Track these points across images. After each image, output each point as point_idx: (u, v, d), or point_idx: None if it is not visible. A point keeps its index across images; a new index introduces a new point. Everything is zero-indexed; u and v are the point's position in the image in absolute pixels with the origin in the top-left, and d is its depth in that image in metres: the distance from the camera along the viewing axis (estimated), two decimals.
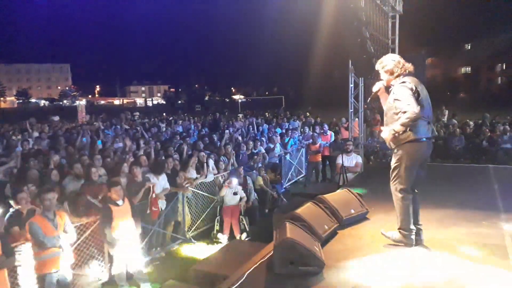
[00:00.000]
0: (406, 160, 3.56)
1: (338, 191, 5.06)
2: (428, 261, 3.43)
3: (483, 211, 4.66)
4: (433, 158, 10.58)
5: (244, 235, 7.38)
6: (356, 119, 10.60)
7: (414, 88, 3.46)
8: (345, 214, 4.43)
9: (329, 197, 4.62)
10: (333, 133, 11.68)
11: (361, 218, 4.63)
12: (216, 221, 7.59)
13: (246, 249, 5.48)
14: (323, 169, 11.17)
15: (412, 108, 3.36)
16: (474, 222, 4.31)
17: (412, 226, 3.66)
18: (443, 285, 3.03)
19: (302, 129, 13.71)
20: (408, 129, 3.45)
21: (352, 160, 8.29)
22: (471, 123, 14.62)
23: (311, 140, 11.13)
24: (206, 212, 7.85)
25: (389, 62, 3.64)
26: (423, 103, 3.50)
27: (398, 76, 3.59)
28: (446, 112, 16.45)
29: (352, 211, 4.57)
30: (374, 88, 3.85)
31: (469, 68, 57.93)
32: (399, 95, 3.47)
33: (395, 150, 3.65)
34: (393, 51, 10.83)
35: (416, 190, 3.73)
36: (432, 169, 7.33)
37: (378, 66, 3.74)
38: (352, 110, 10.18)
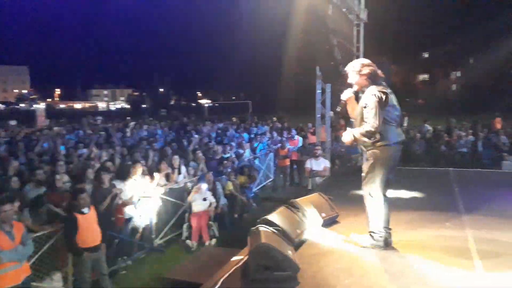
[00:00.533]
0: (378, 164, 3.66)
1: (310, 195, 5.11)
2: (399, 263, 3.53)
3: (447, 213, 4.86)
4: None
5: (213, 241, 7.31)
6: (323, 124, 10.79)
7: (383, 97, 3.52)
8: None
9: (301, 201, 4.66)
10: (301, 138, 11.84)
11: (332, 221, 4.71)
12: (184, 228, 7.47)
13: (217, 255, 5.42)
14: (291, 173, 11.30)
15: (373, 122, 3.48)
16: (439, 223, 4.49)
17: (382, 229, 3.76)
18: (414, 286, 3.13)
19: (270, 134, 13.81)
20: (378, 135, 3.56)
21: (320, 164, 8.42)
22: (430, 128, 15.35)
23: (280, 145, 11.23)
24: (175, 218, 7.71)
25: (365, 67, 3.68)
26: (390, 109, 3.61)
27: (372, 81, 3.65)
28: (406, 118, 17.09)
29: (324, 214, 4.63)
30: (343, 96, 3.86)
31: (427, 76, 60.87)
32: (368, 104, 3.55)
33: (367, 155, 3.75)
34: (358, 58, 11.15)
35: (386, 194, 3.82)
36: (397, 173, 7.60)
37: (352, 69, 3.73)
38: (320, 115, 10.35)
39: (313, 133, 11.82)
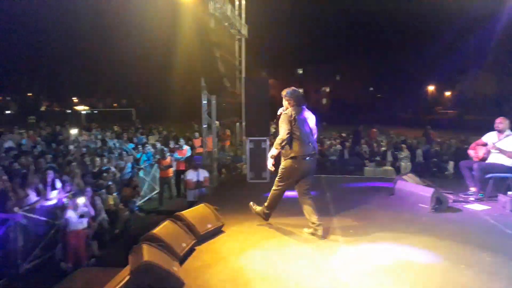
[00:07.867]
0: (287, 172, 4.55)
1: (196, 206, 5.13)
2: (281, 268, 3.76)
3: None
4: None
5: (92, 261, 6.78)
6: (210, 134, 10.94)
7: (292, 116, 4.36)
8: (202, 230, 4.53)
9: (187, 213, 4.65)
10: (189, 148, 11.74)
11: (217, 231, 4.80)
12: (58, 249, 6.77)
13: (95, 277, 5.03)
14: (178, 184, 11.11)
15: (281, 135, 4.37)
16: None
17: (317, 220, 4.49)
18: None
19: (156, 144, 13.42)
20: (289, 149, 4.41)
21: (200, 175, 8.40)
22: None
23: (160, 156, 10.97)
24: (47, 238, 6.94)
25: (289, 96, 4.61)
26: (300, 127, 4.39)
27: (292, 106, 4.51)
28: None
29: (209, 225, 4.69)
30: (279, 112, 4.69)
31: (302, 90, 66.84)
32: (280, 122, 4.47)
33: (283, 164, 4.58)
34: (240, 72, 11.66)
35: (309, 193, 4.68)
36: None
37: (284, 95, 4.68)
38: (206, 125, 10.47)
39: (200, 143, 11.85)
